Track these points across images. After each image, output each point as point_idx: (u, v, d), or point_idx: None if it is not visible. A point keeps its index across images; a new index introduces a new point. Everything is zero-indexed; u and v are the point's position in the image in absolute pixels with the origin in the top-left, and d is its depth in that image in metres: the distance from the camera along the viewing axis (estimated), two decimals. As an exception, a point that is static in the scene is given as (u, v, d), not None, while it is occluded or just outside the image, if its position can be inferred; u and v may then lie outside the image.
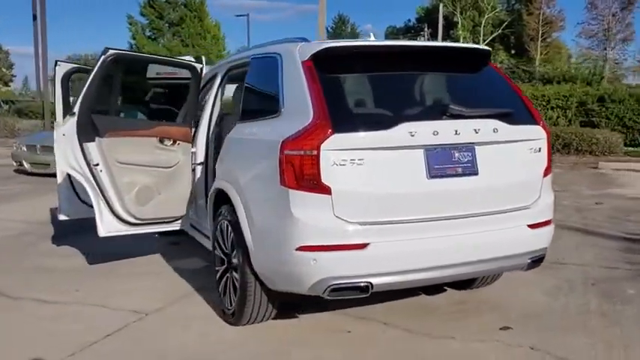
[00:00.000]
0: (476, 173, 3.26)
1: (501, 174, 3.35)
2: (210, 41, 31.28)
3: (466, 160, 3.25)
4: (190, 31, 30.97)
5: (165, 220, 4.71)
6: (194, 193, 4.79)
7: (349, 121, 3.11)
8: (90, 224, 5.15)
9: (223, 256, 3.90)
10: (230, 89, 5.24)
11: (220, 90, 4.84)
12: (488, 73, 3.70)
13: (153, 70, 23.18)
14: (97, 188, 4.29)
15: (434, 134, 3.14)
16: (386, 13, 70.07)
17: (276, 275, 3.31)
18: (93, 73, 4.20)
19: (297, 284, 3.17)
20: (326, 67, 3.25)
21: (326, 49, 3.29)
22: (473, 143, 3.26)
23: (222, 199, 3.95)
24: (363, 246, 3.03)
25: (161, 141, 4.54)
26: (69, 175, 5.12)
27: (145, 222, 4.56)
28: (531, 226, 3.46)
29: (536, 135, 3.50)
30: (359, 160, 3.02)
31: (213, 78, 4.94)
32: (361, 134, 3.05)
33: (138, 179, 4.44)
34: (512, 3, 47.17)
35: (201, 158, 4.79)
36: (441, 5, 42.14)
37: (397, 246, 3.08)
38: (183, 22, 31.22)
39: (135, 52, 28.55)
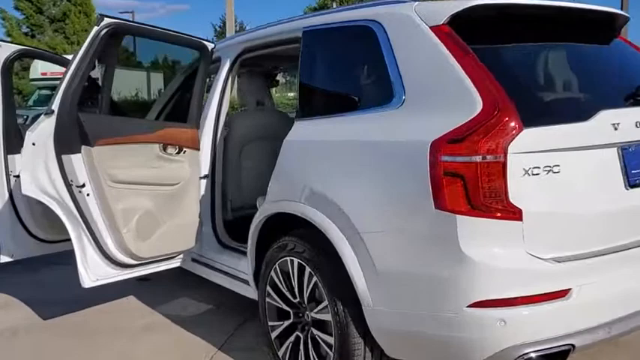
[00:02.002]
0: (672, 178, 2.42)
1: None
2: (99, 38, 28.74)
3: (660, 161, 2.39)
4: (76, 27, 28.18)
5: (168, 257, 3.44)
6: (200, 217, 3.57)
7: (537, 110, 2.14)
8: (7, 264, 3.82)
9: (287, 308, 2.77)
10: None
11: (230, 79, 3.65)
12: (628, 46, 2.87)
13: (37, 70, 20.26)
14: (80, 220, 2.95)
15: (636, 126, 2.25)
16: (273, 12, 69.12)
17: (417, 341, 2.24)
18: (80, 54, 2.83)
19: (462, 354, 2.14)
20: (473, 34, 2.24)
21: (472, 7, 2.26)
22: (665, 138, 2.42)
23: (274, 226, 2.84)
24: (564, 293, 2.07)
25: (164, 148, 3.27)
26: (12, 200, 3.70)
27: (143, 262, 3.27)
28: None
29: None
30: (555, 166, 2.06)
31: (215, 63, 3.72)
32: (557, 128, 2.09)
33: (139, 204, 3.12)
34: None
35: (205, 170, 3.58)
36: (334, 4, 41.94)
37: (604, 288, 2.15)
38: (67, 18, 28.35)
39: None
